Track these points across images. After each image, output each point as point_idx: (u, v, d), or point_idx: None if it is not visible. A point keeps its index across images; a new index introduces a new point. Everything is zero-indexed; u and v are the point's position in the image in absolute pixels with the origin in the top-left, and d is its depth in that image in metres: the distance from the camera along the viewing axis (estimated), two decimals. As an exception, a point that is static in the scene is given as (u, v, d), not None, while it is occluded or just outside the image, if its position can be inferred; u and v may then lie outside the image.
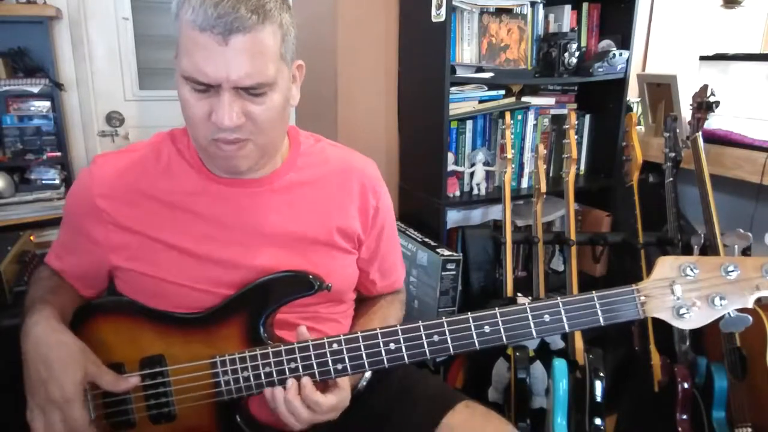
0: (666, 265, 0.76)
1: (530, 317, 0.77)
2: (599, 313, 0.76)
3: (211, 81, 0.74)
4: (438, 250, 1.67)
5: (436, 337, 0.78)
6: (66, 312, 0.87)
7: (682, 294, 0.75)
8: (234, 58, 0.73)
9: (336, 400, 0.80)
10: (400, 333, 0.79)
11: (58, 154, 1.96)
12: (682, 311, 0.75)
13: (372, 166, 1.02)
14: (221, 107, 0.75)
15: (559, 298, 0.77)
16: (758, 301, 1.63)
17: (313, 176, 0.95)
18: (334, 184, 0.96)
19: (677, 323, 0.75)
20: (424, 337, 0.78)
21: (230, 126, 0.76)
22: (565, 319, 0.76)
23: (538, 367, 1.52)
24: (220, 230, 0.88)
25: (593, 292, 0.77)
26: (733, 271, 0.74)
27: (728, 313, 0.75)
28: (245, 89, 0.76)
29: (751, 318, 0.76)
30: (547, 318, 0.77)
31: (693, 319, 0.75)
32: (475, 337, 0.78)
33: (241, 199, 0.89)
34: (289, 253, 0.90)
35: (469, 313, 0.78)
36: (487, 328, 0.78)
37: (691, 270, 0.75)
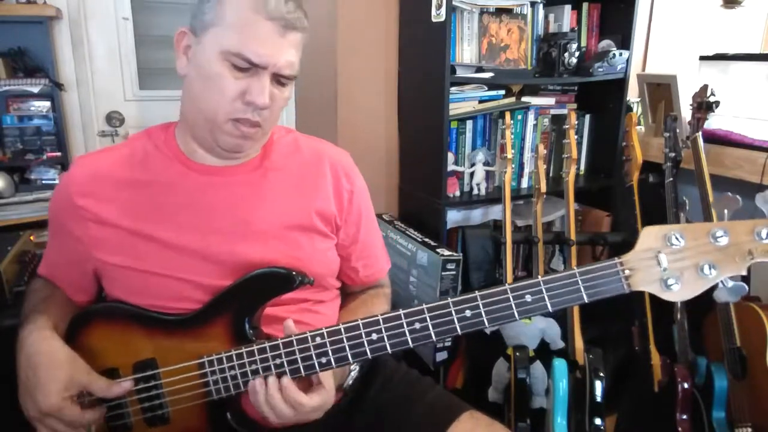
0: (650, 236, 0.71)
1: (511, 298, 0.75)
2: (582, 289, 0.73)
3: (261, 63, 0.82)
4: (438, 250, 1.67)
5: (417, 325, 0.77)
6: (60, 321, 0.88)
7: (669, 264, 0.70)
8: (286, 48, 0.84)
9: (320, 400, 0.80)
10: (381, 322, 0.79)
11: (58, 154, 1.95)
12: (669, 282, 0.70)
13: (345, 155, 1.05)
14: (262, 87, 0.83)
15: (540, 277, 0.75)
16: (758, 300, 1.62)
17: (287, 164, 0.97)
18: (308, 170, 0.98)
19: (666, 296, 0.71)
20: (405, 326, 0.78)
21: (265, 105, 0.84)
22: (547, 298, 0.74)
23: (538, 367, 1.52)
24: (199, 219, 0.89)
25: (575, 267, 0.74)
26: (722, 236, 0.69)
27: (722, 281, 0.70)
28: (278, 77, 0.85)
29: (746, 286, 0.71)
30: (528, 298, 0.75)
31: (682, 290, 0.70)
32: (456, 322, 0.76)
33: (219, 187, 0.91)
34: (269, 240, 0.91)
35: (449, 298, 0.77)
36: (468, 312, 0.76)
37: (677, 238, 0.70)
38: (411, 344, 0.78)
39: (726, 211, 0.73)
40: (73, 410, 0.80)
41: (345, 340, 0.79)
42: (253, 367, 0.82)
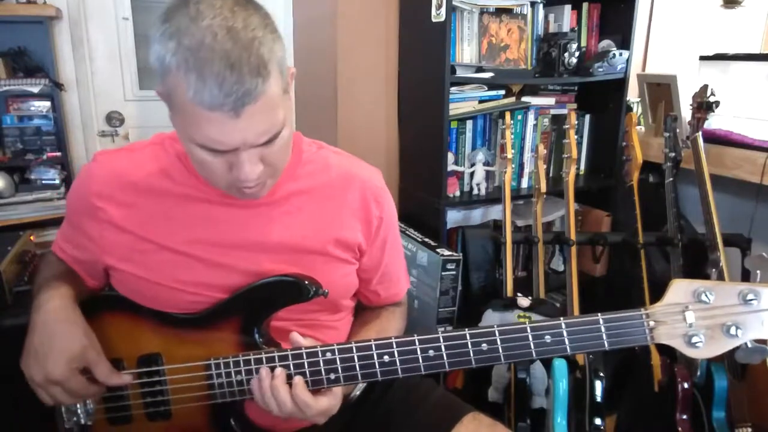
0: (680, 290, 0.71)
1: (530, 337, 0.74)
2: (604, 337, 0.73)
3: (228, 148, 0.73)
4: (438, 250, 1.67)
5: (431, 352, 0.77)
6: (77, 295, 0.88)
7: (695, 321, 0.71)
8: (248, 125, 0.71)
9: (327, 404, 0.79)
10: (394, 346, 0.77)
11: (58, 154, 1.95)
12: (694, 340, 0.71)
13: (377, 175, 1.00)
14: (242, 166, 0.74)
15: (562, 319, 0.74)
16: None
17: (313, 185, 0.93)
18: (334, 194, 0.94)
19: (689, 352, 0.71)
20: (419, 352, 0.77)
21: (255, 178, 0.76)
22: (567, 342, 0.74)
23: (538, 367, 1.52)
24: (215, 235, 0.88)
25: (599, 314, 0.73)
26: (753, 299, 0.69)
27: (745, 342, 0.71)
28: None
29: None
30: (548, 339, 0.74)
31: (705, 348, 0.71)
32: (471, 354, 0.76)
33: (238, 207, 0.89)
34: (284, 261, 0.89)
35: (466, 329, 0.76)
36: (484, 346, 0.75)
37: (707, 296, 0.70)
38: (423, 371, 0.77)
39: (759, 272, 0.74)
40: (79, 380, 0.80)
41: (356, 359, 0.78)
42: None
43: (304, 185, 0.92)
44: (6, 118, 1.91)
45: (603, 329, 0.73)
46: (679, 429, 1.47)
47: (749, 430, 1.39)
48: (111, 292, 0.95)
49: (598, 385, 1.46)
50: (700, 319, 0.71)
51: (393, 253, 1.03)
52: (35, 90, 1.89)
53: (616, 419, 1.75)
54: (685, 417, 1.47)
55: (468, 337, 0.76)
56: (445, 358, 0.76)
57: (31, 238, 1.64)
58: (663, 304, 0.72)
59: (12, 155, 1.92)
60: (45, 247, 1.63)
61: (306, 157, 0.95)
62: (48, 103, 1.94)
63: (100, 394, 0.85)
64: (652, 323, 0.72)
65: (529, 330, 0.74)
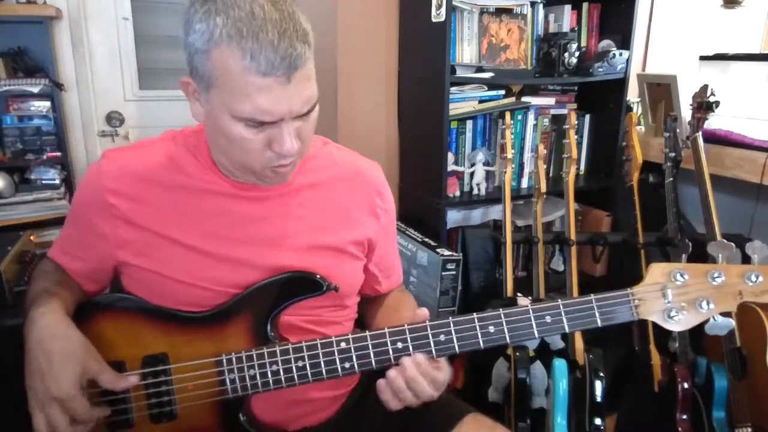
0: (658, 271, 0.81)
1: (532, 318, 0.80)
2: (597, 314, 0.80)
3: (275, 119, 0.76)
4: (438, 250, 1.67)
5: (442, 337, 0.81)
6: (70, 306, 0.87)
7: (673, 298, 0.80)
8: (296, 92, 0.75)
9: (444, 378, 0.83)
10: (407, 332, 0.81)
11: (58, 154, 1.95)
12: (672, 314, 0.79)
13: (377, 169, 1.03)
14: (284, 137, 0.77)
15: (559, 300, 0.81)
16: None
17: (322, 179, 0.95)
18: (343, 189, 0.96)
19: (667, 325, 0.80)
20: (431, 337, 0.81)
21: (294, 152, 0.79)
22: (565, 320, 0.80)
23: (538, 367, 1.52)
24: (228, 230, 0.88)
25: (591, 295, 0.81)
26: (718, 277, 0.79)
27: (713, 317, 0.80)
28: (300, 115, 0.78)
29: (733, 322, 0.79)
30: (548, 319, 0.80)
31: (681, 322, 0.80)
32: (480, 336, 0.81)
33: (251, 200, 0.89)
34: (295, 256, 0.90)
35: (474, 314, 0.81)
36: (491, 329, 0.81)
37: (681, 276, 0.80)
38: (435, 354, 0.81)
39: (720, 255, 0.85)
40: (82, 402, 0.78)
41: (370, 347, 0.81)
42: (274, 368, 0.82)
43: (314, 179, 0.94)
44: (6, 118, 1.92)
45: (596, 308, 0.81)
46: (679, 429, 1.47)
47: (749, 430, 1.39)
48: (112, 294, 0.94)
49: (598, 385, 1.46)
50: (677, 296, 0.80)
51: (393, 243, 1.08)
52: (35, 90, 1.89)
53: (616, 419, 1.75)
54: (685, 417, 1.47)
55: (476, 320, 0.81)
56: (455, 341, 0.81)
57: (31, 238, 1.64)
58: (645, 284, 0.81)
59: (12, 155, 1.92)
60: (45, 247, 1.63)
61: (312, 151, 0.96)
62: (48, 103, 1.94)
63: (102, 418, 0.83)
64: (636, 302, 0.81)
65: (531, 312, 0.81)
